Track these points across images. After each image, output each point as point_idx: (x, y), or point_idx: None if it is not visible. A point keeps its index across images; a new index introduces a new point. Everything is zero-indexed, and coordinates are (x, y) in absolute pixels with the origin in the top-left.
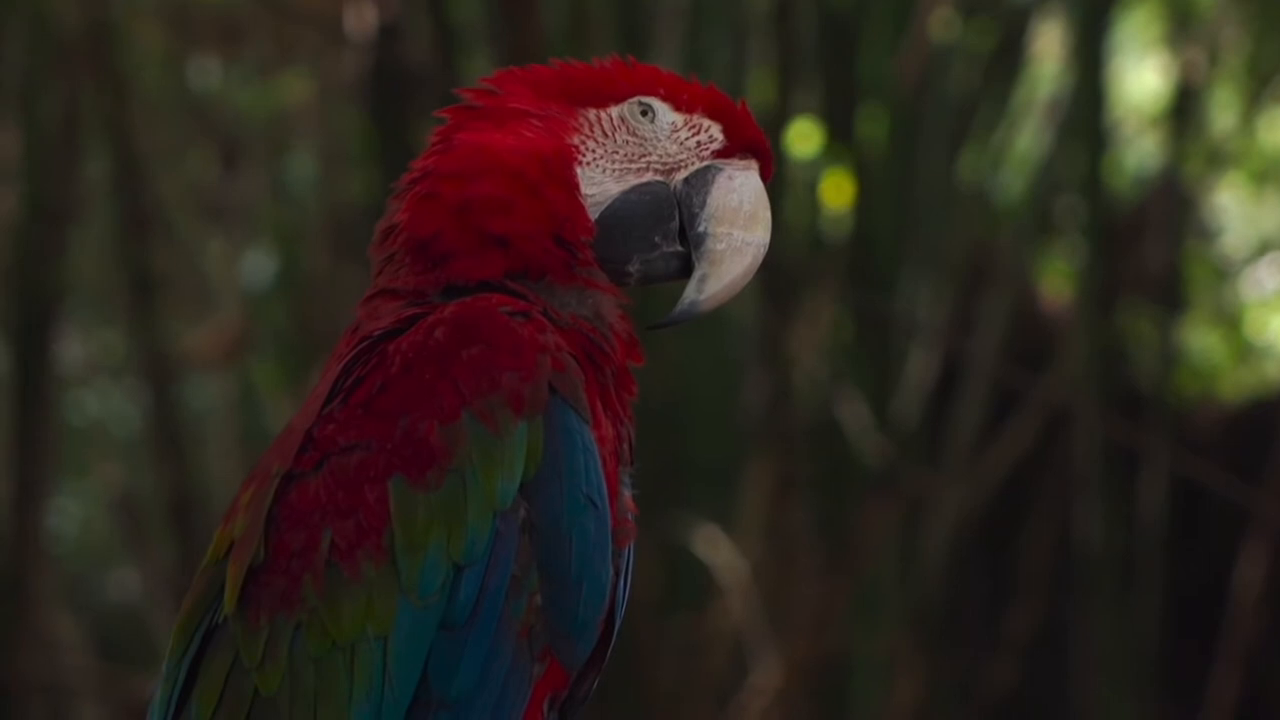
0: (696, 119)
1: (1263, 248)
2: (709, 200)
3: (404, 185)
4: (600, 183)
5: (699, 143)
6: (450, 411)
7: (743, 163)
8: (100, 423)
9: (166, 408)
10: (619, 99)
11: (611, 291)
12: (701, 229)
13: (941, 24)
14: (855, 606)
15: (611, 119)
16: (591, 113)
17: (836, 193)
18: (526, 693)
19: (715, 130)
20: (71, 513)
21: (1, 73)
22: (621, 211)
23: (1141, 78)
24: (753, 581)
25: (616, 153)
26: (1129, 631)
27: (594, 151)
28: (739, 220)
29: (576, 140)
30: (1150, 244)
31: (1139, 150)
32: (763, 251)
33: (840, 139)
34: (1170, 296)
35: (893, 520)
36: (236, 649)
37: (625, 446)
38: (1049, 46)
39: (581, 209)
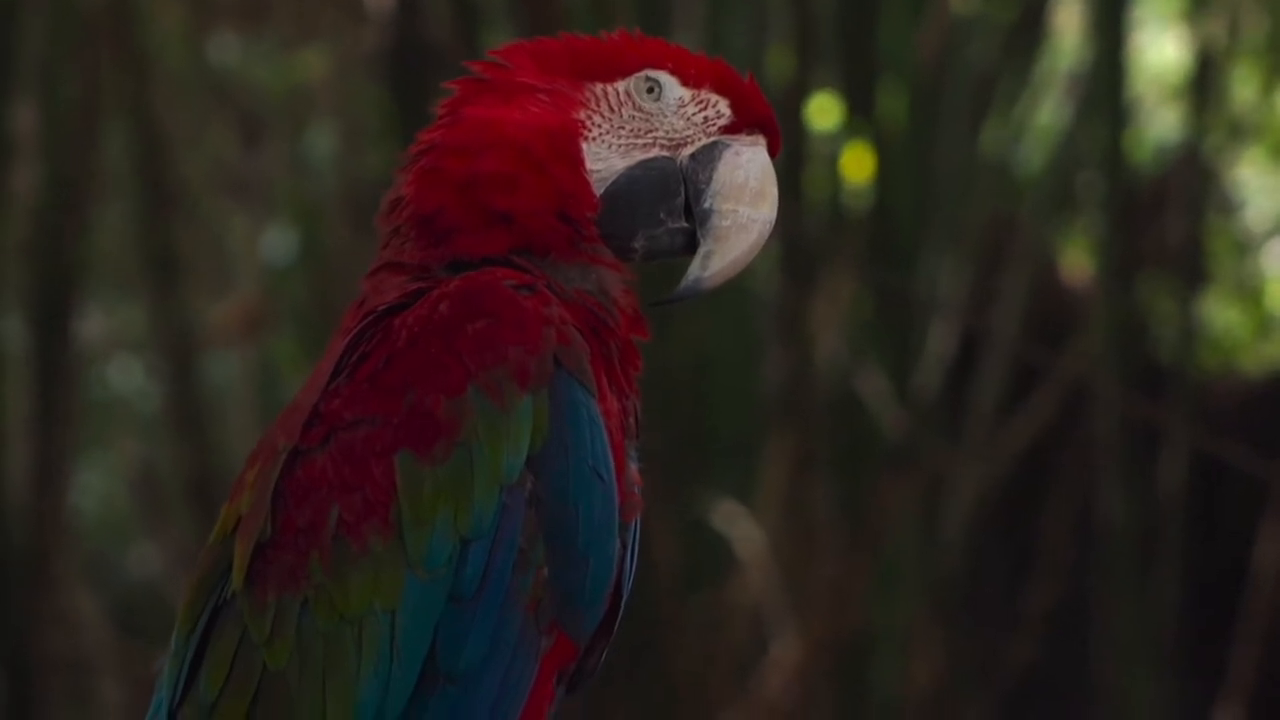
0: (704, 94)
1: None
2: (715, 176)
3: (410, 158)
4: (606, 158)
5: (706, 118)
6: (456, 385)
7: (750, 138)
8: (121, 399)
9: (187, 384)
10: (626, 73)
11: (616, 268)
12: (707, 205)
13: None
14: (874, 582)
15: (618, 93)
16: (598, 87)
17: (856, 167)
18: (534, 666)
19: (723, 105)
20: (92, 489)
21: (23, 50)
22: (627, 187)
23: (1162, 51)
24: (772, 557)
25: (623, 128)
26: (1149, 609)
27: (600, 127)
28: (745, 197)
29: (582, 115)
30: (1171, 218)
31: (1160, 124)
32: (769, 228)
33: (860, 113)
34: (1191, 270)
35: (912, 496)
36: (244, 625)
37: (631, 420)
38: (1069, 19)
39: (586, 185)
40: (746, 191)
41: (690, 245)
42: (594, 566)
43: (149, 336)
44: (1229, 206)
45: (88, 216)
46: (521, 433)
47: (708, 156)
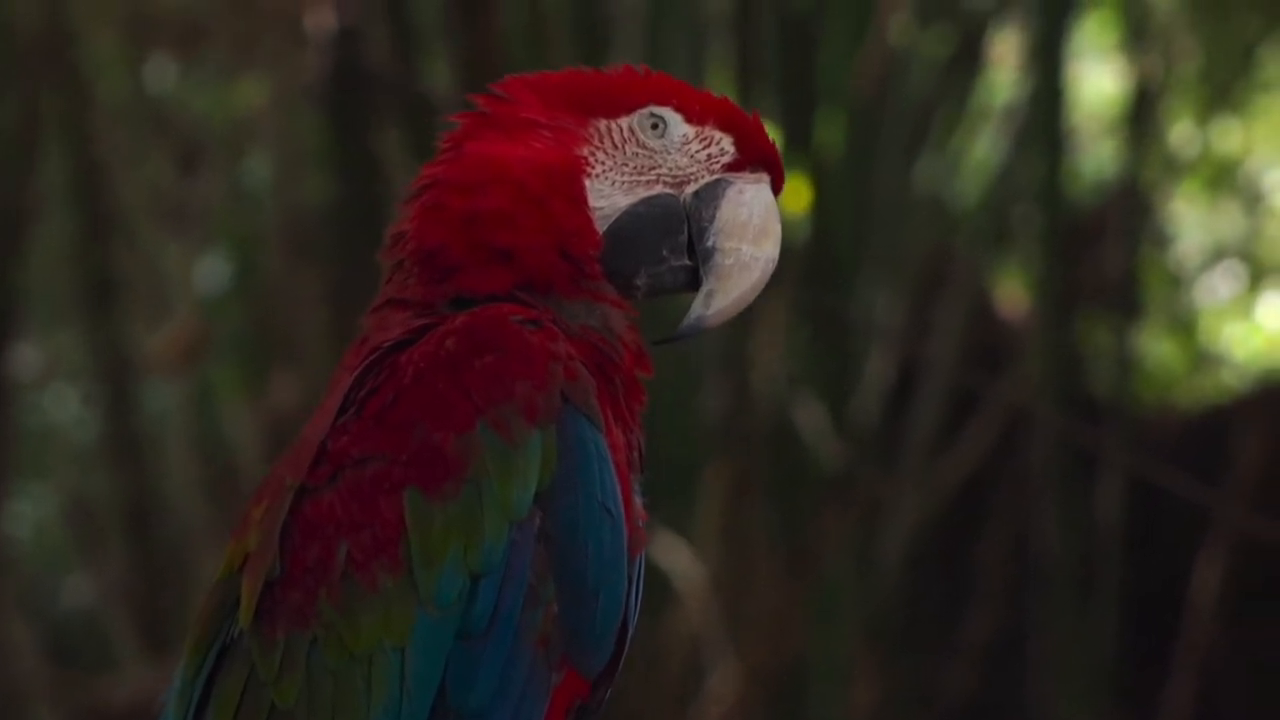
0: (708, 131)
1: (1217, 255)
2: (718, 214)
3: (412, 192)
4: (609, 195)
5: (709, 155)
6: (464, 421)
7: (754, 176)
8: (57, 427)
9: (123, 412)
10: (630, 109)
11: (619, 305)
12: (710, 243)
13: (900, 29)
14: (812, 612)
15: (622, 130)
16: (602, 123)
17: (794, 196)
18: (544, 702)
19: (727, 143)
20: (27, 518)
21: None
22: (630, 224)
23: (1098, 84)
24: (710, 586)
25: (626, 165)
26: (1086, 637)
27: (603, 163)
28: (748, 235)
29: (586, 152)
30: (1107, 250)
31: (1096, 156)
32: (772, 266)
33: (798, 143)
34: (1127, 303)
35: (850, 525)
36: (253, 663)
37: (636, 454)
38: (1007, 52)
39: (588, 223)
40: (750, 230)
41: (693, 282)
42: (604, 602)
43: (85, 364)
44: (1163, 240)
45: (24, 243)
46: (530, 469)
47: (711, 194)
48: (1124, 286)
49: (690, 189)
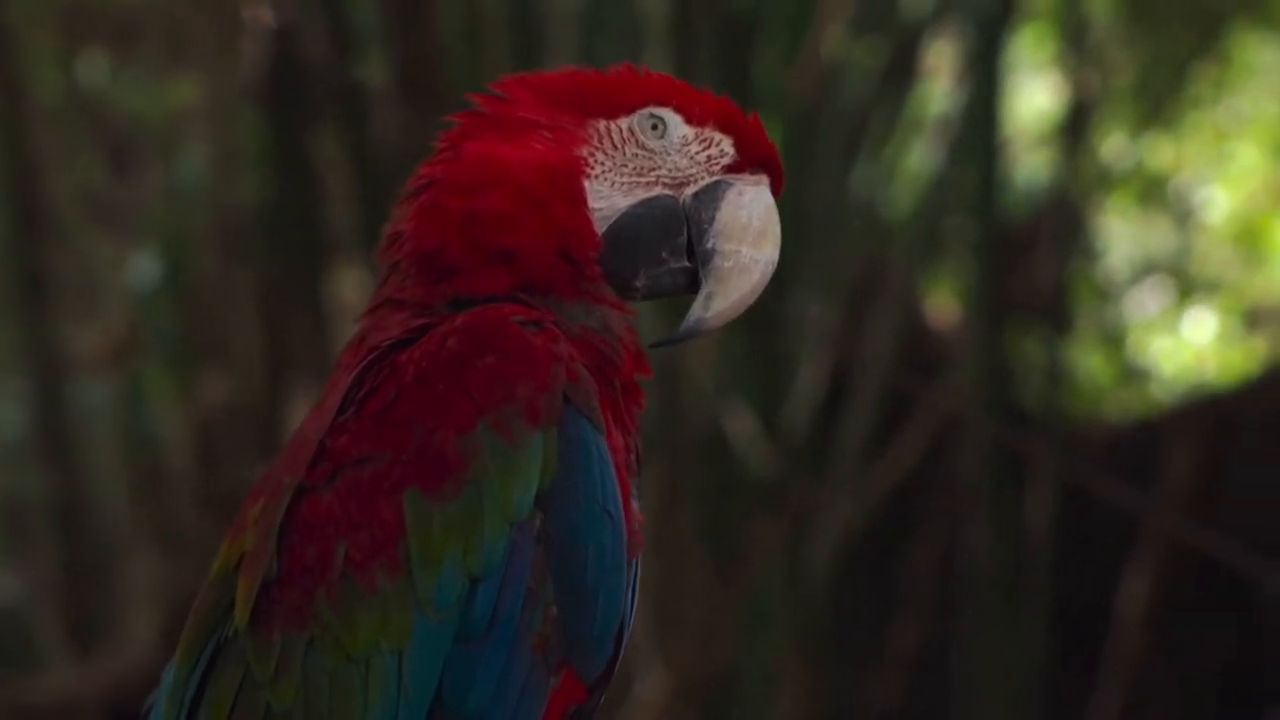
0: (708, 132)
1: (1146, 269)
2: (718, 216)
3: (409, 192)
4: (608, 196)
5: (709, 157)
6: (465, 422)
7: (753, 178)
8: None
9: (53, 410)
10: (629, 110)
11: (618, 306)
12: (709, 245)
13: (835, 38)
14: (742, 619)
15: (621, 131)
16: (601, 124)
17: None
18: (542, 706)
19: (726, 144)
20: None
21: None
22: (629, 226)
23: (1032, 97)
24: (640, 594)
25: (625, 166)
26: (1014, 648)
27: (603, 164)
28: (748, 237)
29: (585, 152)
30: (1038, 263)
31: (1029, 169)
32: (771, 269)
33: None
34: (1057, 315)
35: (781, 533)
36: (248, 664)
37: (633, 458)
38: (941, 63)
39: (588, 224)
40: (749, 232)
41: (692, 285)
42: (603, 605)
43: (15, 362)
44: (1094, 253)
45: None
46: (531, 470)
47: (711, 196)
48: (1054, 299)
49: (690, 190)
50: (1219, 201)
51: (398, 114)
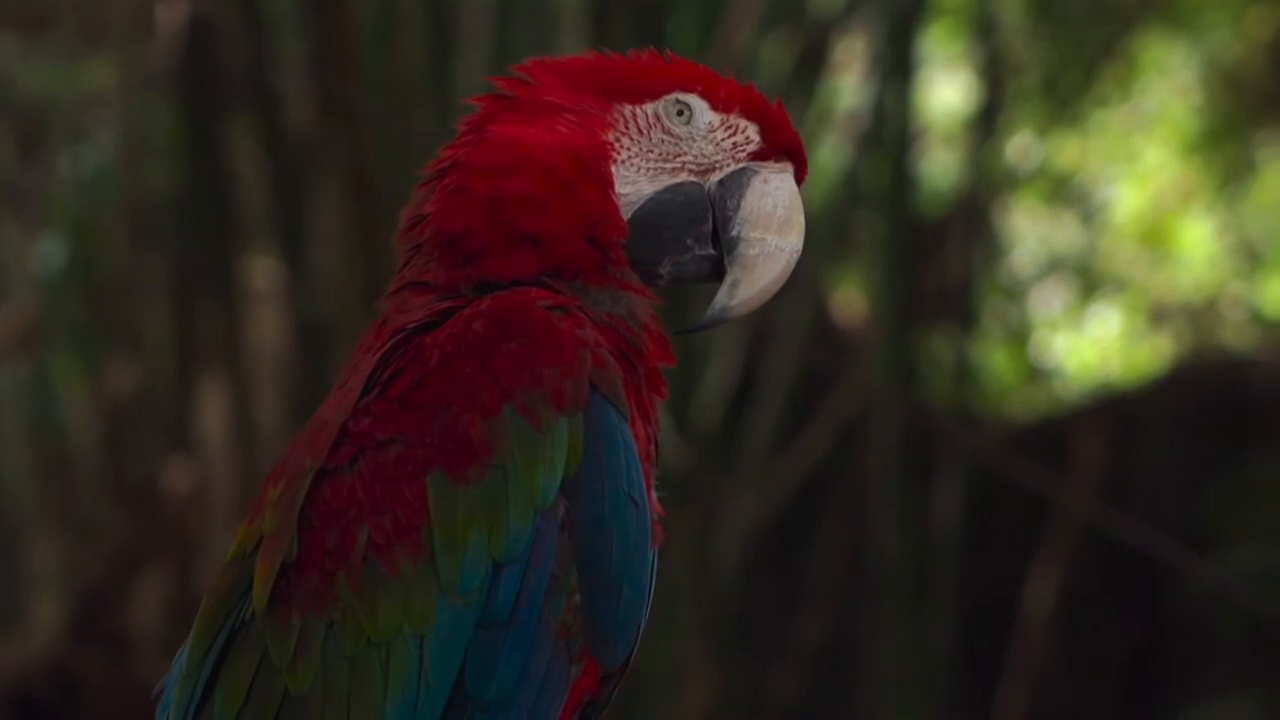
0: (733, 119)
1: (1052, 266)
2: (743, 204)
3: (431, 174)
4: (634, 182)
5: (735, 144)
6: (491, 406)
7: (778, 166)
8: None
9: None
10: (655, 95)
11: (643, 293)
12: (735, 233)
13: (746, 32)
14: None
15: (647, 116)
16: (627, 108)
17: None
18: (564, 695)
19: (752, 131)
20: None
21: None
22: (655, 212)
23: (941, 94)
24: None
25: (651, 151)
26: (921, 642)
27: (628, 149)
28: (773, 225)
29: (611, 137)
30: (946, 260)
31: (937, 166)
32: (796, 257)
33: None
34: (964, 312)
35: (689, 526)
36: (265, 647)
37: (653, 447)
38: (851, 59)
39: (615, 209)
40: (775, 220)
41: (716, 272)
42: (627, 593)
43: None
44: (999, 251)
45: None
46: (557, 456)
47: (736, 183)
48: (961, 296)
49: (715, 177)
50: (1125, 200)
51: (311, 103)
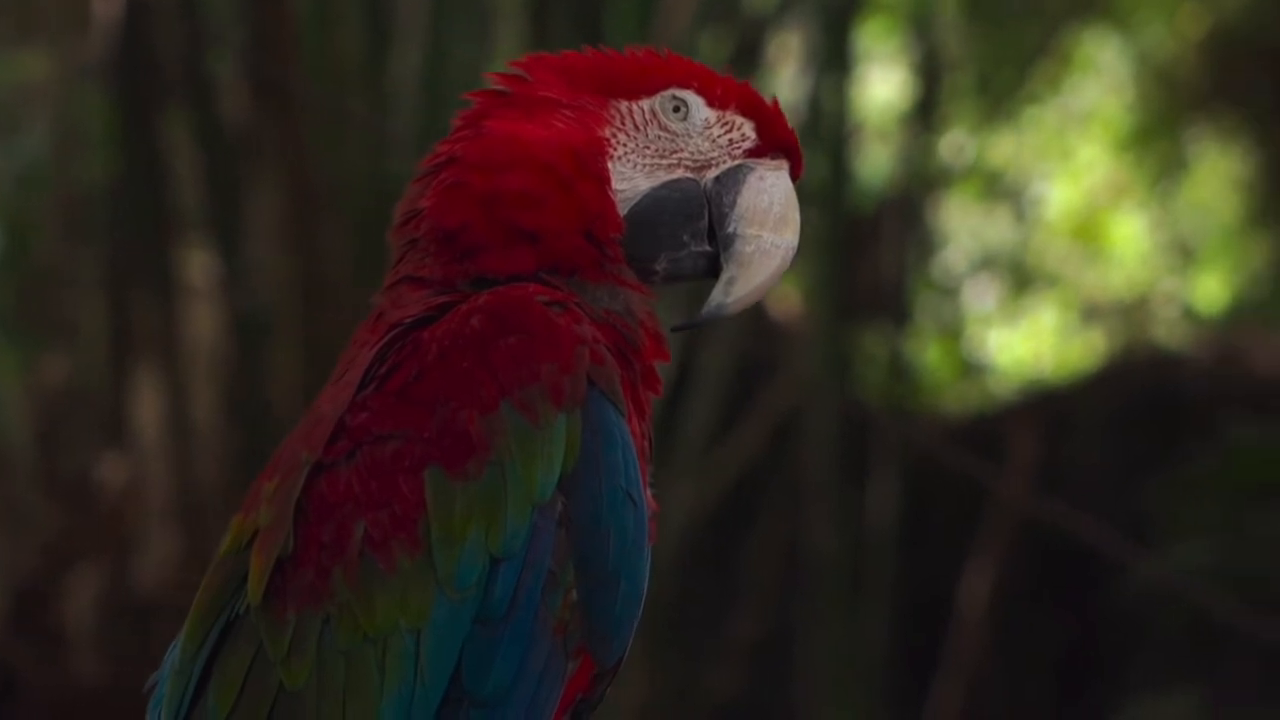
0: (729, 115)
1: (984, 262)
2: (740, 200)
3: (427, 169)
4: (630, 178)
5: (731, 140)
6: (489, 401)
7: (774, 163)
8: None
9: None
10: (651, 91)
11: (640, 289)
12: (731, 230)
13: (681, 27)
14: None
15: (643, 112)
16: (623, 104)
17: None
18: (560, 691)
19: (748, 128)
20: None
21: None
22: (651, 208)
23: (875, 90)
24: None
25: (648, 147)
26: (856, 638)
27: (625, 145)
28: (769, 222)
29: (607, 133)
30: (881, 255)
31: (871, 162)
32: (792, 254)
33: None
34: (898, 308)
35: None
36: (260, 641)
37: (647, 444)
38: (785, 54)
39: (613, 205)
40: (771, 217)
41: (712, 269)
42: (624, 590)
43: None
44: (934, 246)
45: None
46: (555, 452)
47: (732, 180)
48: (896, 291)
49: (711, 174)
50: (1058, 196)
51: (247, 94)
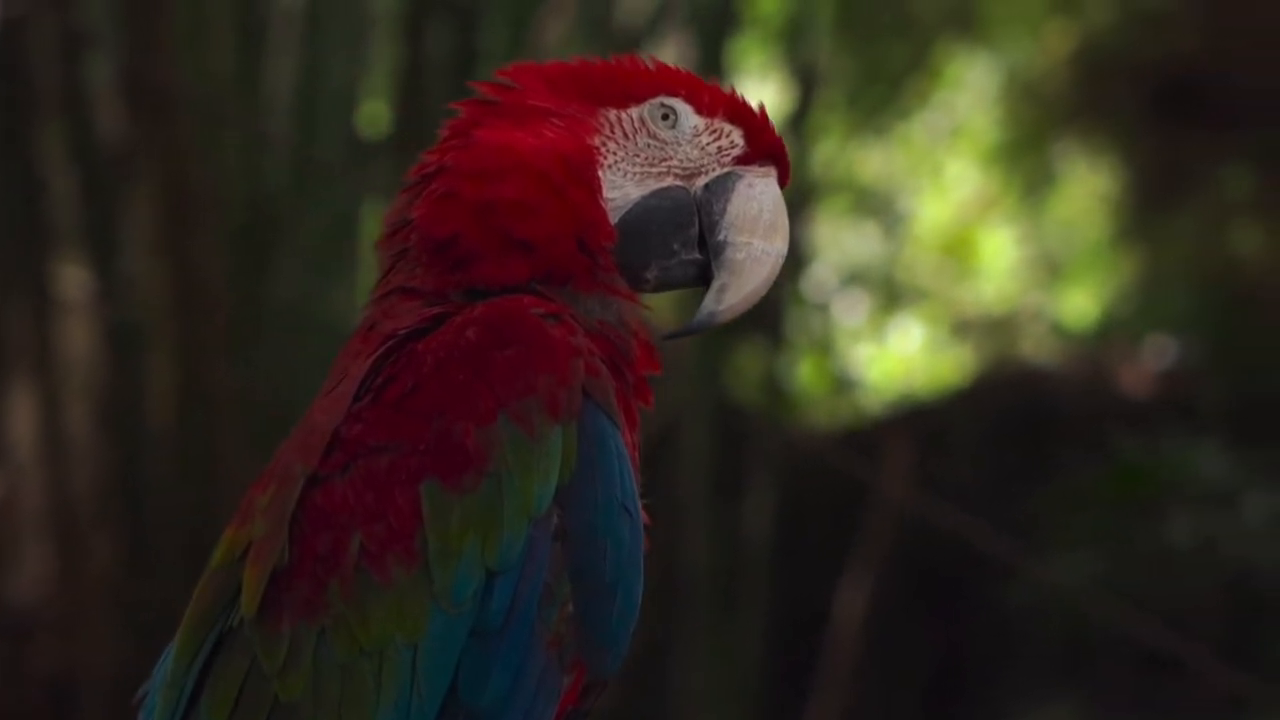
0: (718, 123)
1: (854, 277)
2: (729, 208)
3: (415, 179)
4: (621, 186)
5: (720, 148)
6: (486, 414)
7: (762, 170)
8: None
9: None
10: (640, 99)
11: (632, 299)
12: (721, 237)
13: (555, 39)
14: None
15: (633, 120)
16: (612, 113)
17: None
18: (555, 704)
19: (736, 136)
20: None
21: None
22: (641, 217)
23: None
24: None
25: (637, 156)
26: (731, 654)
27: (615, 154)
28: (759, 229)
29: (597, 141)
30: None
31: None
32: (781, 261)
33: None
34: (771, 323)
35: None
36: (254, 654)
37: (638, 455)
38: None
39: (604, 214)
40: (760, 224)
41: (702, 277)
42: (621, 602)
43: None
44: (803, 261)
45: None
46: (551, 464)
47: (722, 187)
48: (768, 306)
49: (700, 182)
50: (927, 211)
51: (120, 107)
